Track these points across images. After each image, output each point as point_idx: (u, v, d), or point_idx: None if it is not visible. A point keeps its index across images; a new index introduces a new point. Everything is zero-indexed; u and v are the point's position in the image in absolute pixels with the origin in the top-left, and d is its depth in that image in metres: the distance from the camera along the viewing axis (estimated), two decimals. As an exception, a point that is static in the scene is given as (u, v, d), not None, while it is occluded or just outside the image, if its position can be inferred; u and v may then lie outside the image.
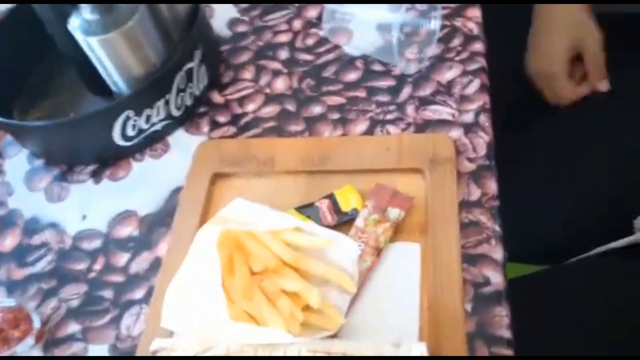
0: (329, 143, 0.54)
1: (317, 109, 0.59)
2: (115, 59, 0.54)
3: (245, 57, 0.66)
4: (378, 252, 0.44)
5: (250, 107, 0.61)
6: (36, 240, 0.55)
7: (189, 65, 0.58)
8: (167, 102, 0.57)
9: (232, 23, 0.71)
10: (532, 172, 0.69)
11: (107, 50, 0.53)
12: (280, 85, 0.63)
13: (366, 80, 0.61)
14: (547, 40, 0.70)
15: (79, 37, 0.52)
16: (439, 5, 0.60)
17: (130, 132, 0.57)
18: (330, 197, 0.48)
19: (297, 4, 0.70)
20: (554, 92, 0.70)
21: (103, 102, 0.63)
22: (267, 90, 0.62)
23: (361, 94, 0.59)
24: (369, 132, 0.56)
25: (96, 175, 0.59)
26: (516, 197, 0.68)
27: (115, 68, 0.55)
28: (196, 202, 0.51)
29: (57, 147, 0.60)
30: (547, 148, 0.70)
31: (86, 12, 0.51)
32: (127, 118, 0.56)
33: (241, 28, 0.70)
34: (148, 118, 0.57)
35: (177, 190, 0.55)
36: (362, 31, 0.64)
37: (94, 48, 0.53)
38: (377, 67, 0.62)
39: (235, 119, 0.60)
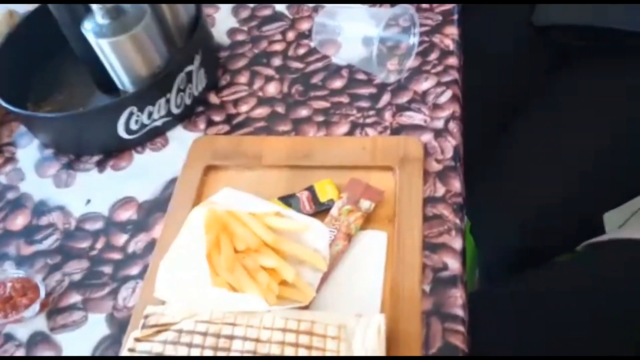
0: (312, 141, 0.60)
1: (304, 112, 0.65)
2: (123, 60, 0.60)
3: (241, 63, 0.72)
4: (349, 237, 0.49)
5: (243, 108, 0.67)
6: (44, 220, 0.60)
7: (189, 67, 0.64)
8: (167, 101, 0.63)
9: (232, 32, 0.77)
10: (503, 172, 0.75)
11: (116, 52, 0.59)
12: (272, 89, 0.68)
13: (350, 88, 0.66)
14: None
15: (91, 39, 0.58)
16: (418, 22, 0.66)
17: (134, 127, 0.63)
18: (310, 188, 0.54)
19: (291, 18, 0.77)
20: None
21: (110, 99, 0.69)
22: (260, 94, 0.68)
23: (345, 99, 0.65)
24: (350, 133, 0.62)
25: (100, 165, 0.64)
26: (486, 197, 0.74)
27: (123, 68, 0.61)
28: (189, 189, 0.57)
29: (66, 137, 0.66)
30: (518, 149, 0.76)
31: (98, 17, 0.57)
32: (131, 113, 0.61)
33: (239, 37, 0.76)
34: (150, 114, 0.63)
35: (174, 180, 0.60)
36: (349, 44, 0.70)
37: (104, 49, 0.59)
38: (361, 76, 0.67)
39: (229, 119, 0.66)
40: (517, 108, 0.81)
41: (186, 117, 0.67)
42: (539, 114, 0.77)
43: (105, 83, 0.68)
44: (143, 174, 0.63)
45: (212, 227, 0.48)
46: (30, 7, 0.78)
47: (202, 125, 0.66)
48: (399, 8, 0.63)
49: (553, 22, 0.86)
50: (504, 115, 0.80)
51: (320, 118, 0.64)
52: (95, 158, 0.65)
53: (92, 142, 0.65)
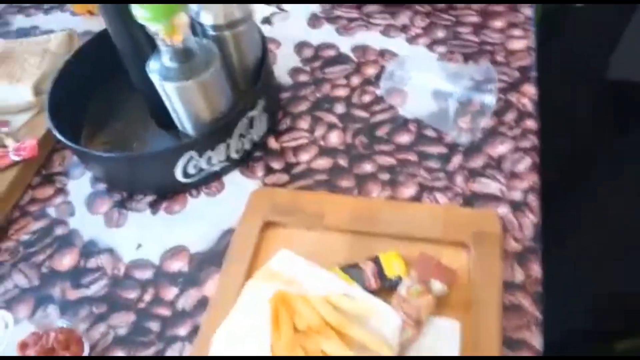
0: (377, 205, 0.56)
1: (368, 167, 0.61)
2: (187, 104, 0.57)
3: (303, 106, 0.69)
4: (419, 325, 0.45)
5: (303, 157, 0.64)
6: (92, 263, 0.58)
7: (252, 113, 0.61)
8: (228, 146, 0.61)
9: (294, 72, 0.74)
10: (571, 254, 0.70)
11: (180, 95, 0.56)
12: (335, 139, 0.65)
13: (418, 145, 0.63)
14: None
15: (156, 79, 0.56)
16: (495, 78, 0.62)
17: (191, 171, 0.60)
18: (375, 260, 0.50)
19: (356, 60, 0.73)
20: None
21: (166, 134, 0.67)
22: (322, 143, 0.65)
23: (412, 157, 0.61)
24: (417, 197, 0.58)
25: (153, 206, 0.62)
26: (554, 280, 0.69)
27: (185, 111, 0.58)
28: (246, 247, 0.53)
29: (120, 175, 0.64)
30: (587, 229, 0.71)
31: (165, 59, 0.55)
32: (190, 158, 0.59)
33: (302, 77, 0.73)
34: (209, 159, 0.60)
35: (228, 232, 0.57)
36: (418, 95, 0.66)
37: (168, 92, 0.56)
38: (430, 133, 0.64)
39: (288, 167, 0.63)
40: (585, 172, 0.76)
41: (244, 162, 0.64)
42: (609, 183, 0.72)
43: (164, 119, 0.66)
44: (196, 220, 0.60)
45: (271, 299, 0.44)
46: (89, 25, 0.76)
47: (259, 172, 0.63)
48: (478, 67, 0.59)
49: (627, 78, 0.81)
50: (573, 180, 0.76)
51: (386, 176, 0.60)
52: (149, 198, 0.63)
53: (146, 182, 0.63)
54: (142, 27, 0.57)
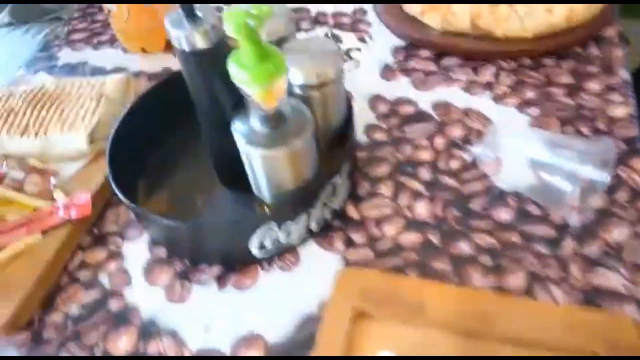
0: (486, 299, 0.49)
1: (465, 248, 0.55)
2: (271, 171, 0.51)
3: (383, 169, 0.63)
4: None
5: (389, 230, 0.57)
6: (153, 347, 0.51)
7: (336, 180, 0.55)
8: (309, 216, 0.54)
9: (370, 129, 0.68)
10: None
11: (265, 162, 0.50)
12: (422, 210, 0.58)
13: (520, 223, 0.56)
14: None
15: (241, 142, 0.49)
16: (615, 153, 0.55)
17: (267, 243, 0.53)
18: (493, 370, 0.43)
19: (438, 120, 0.67)
20: None
21: (234, 196, 0.61)
22: (408, 214, 0.58)
23: (516, 239, 0.55)
24: (528, 289, 0.51)
25: (221, 280, 0.55)
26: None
27: (268, 178, 0.52)
28: (335, 344, 0.46)
29: (183, 241, 0.57)
30: None
31: (254, 121, 0.49)
32: (269, 229, 0.52)
33: (379, 136, 0.67)
34: (288, 231, 0.53)
35: (309, 320, 0.50)
36: (514, 164, 0.60)
37: (252, 156, 0.50)
38: (533, 209, 0.57)
39: (372, 241, 0.56)
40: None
41: (322, 232, 0.57)
42: None
43: (234, 180, 0.59)
44: (271, 300, 0.53)
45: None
46: (142, 65, 0.71)
47: (339, 245, 0.56)
48: (581, 137, 0.53)
49: None
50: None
51: (487, 260, 0.53)
52: (215, 270, 0.56)
53: (214, 252, 0.56)
54: (228, 84, 0.51)
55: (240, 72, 0.43)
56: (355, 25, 0.85)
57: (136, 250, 0.59)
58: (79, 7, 1.02)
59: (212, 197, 0.62)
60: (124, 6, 0.78)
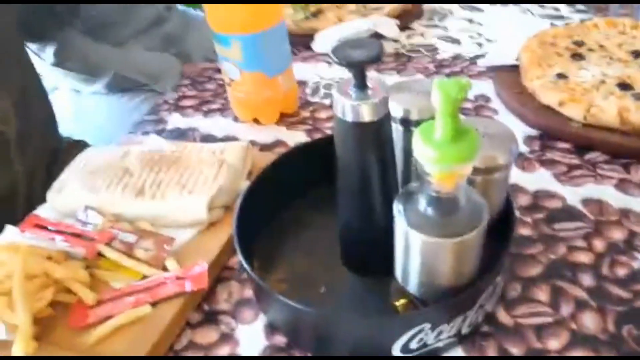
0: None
1: (651, 375, 0.45)
2: (428, 261, 0.44)
3: (535, 270, 0.55)
4: None
5: (553, 344, 0.48)
6: None
7: (499, 280, 0.48)
8: (465, 319, 0.46)
9: (513, 222, 0.60)
10: None
11: (426, 251, 0.43)
12: (590, 323, 0.50)
13: None
14: None
15: (402, 224, 0.43)
16: None
17: (414, 346, 0.46)
18: None
19: (594, 221, 0.59)
20: None
21: (364, 283, 0.54)
22: (573, 326, 0.49)
23: None
24: None
25: (350, 382, 0.47)
26: None
27: (421, 268, 0.45)
28: None
29: (307, 332, 0.50)
30: None
31: (422, 203, 0.43)
32: (420, 331, 0.45)
33: (524, 231, 0.59)
34: (439, 334, 0.46)
35: None
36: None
37: (411, 242, 0.44)
38: None
39: (530, 354, 0.47)
40: None
41: (471, 338, 0.49)
42: None
43: (364, 266, 0.53)
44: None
45: None
46: (253, 135, 0.68)
47: (491, 354, 0.48)
48: None
49: None
50: None
51: (684, 394, 0.43)
52: (343, 368, 0.48)
53: (344, 348, 0.48)
54: (384, 161, 0.47)
55: (426, 148, 0.38)
56: (479, 111, 0.81)
57: (252, 334, 0.52)
58: (189, 76, 1.03)
59: (337, 283, 0.55)
60: (248, 75, 0.77)
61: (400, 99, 0.52)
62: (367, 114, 0.44)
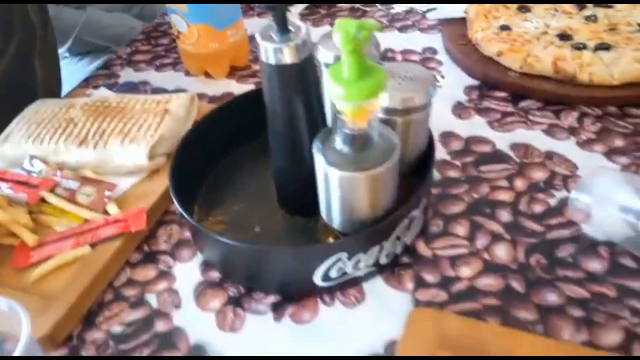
0: (581, 355, 0.42)
1: (552, 298, 0.49)
2: (349, 197, 0.47)
3: (457, 208, 0.58)
4: None
5: (464, 272, 0.52)
6: (200, 378, 0.46)
7: (415, 212, 0.51)
8: (381, 249, 0.49)
9: (442, 165, 0.63)
10: None
11: (344, 186, 0.46)
12: (502, 253, 0.53)
13: (615, 276, 0.50)
14: None
15: (320, 163, 0.46)
16: None
17: (333, 274, 0.49)
18: None
19: (518, 161, 0.63)
20: None
21: (295, 222, 0.57)
22: (486, 256, 0.53)
23: (610, 291, 0.48)
24: (625, 347, 0.44)
25: (277, 310, 0.50)
26: None
27: (343, 204, 0.48)
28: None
29: (240, 266, 0.53)
30: None
31: (338, 141, 0.45)
32: (338, 260, 0.48)
33: (452, 173, 0.62)
34: (357, 263, 0.49)
35: (377, 363, 0.45)
36: (605, 212, 0.54)
37: (331, 179, 0.46)
38: (628, 262, 0.51)
39: (446, 282, 0.51)
40: None
41: (390, 268, 0.52)
42: None
43: (295, 205, 0.56)
44: (332, 340, 0.48)
45: None
46: (204, 88, 0.69)
47: (409, 284, 0.51)
48: None
49: None
50: None
51: (578, 312, 0.47)
52: (271, 299, 0.51)
53: (272, 280, 0.51)
54: (309, 103, 0.49)
55: (337, 86, 0.40)
56: (425, 63, 0.83)
57: (188, 271, 0.55)
58: (143, 31, 1.03)
59: (271, 223, 0.58)
60: (195, 28, 0.78)
61: (331, 46, 0.53)
62: (288, 56, 0.46)
